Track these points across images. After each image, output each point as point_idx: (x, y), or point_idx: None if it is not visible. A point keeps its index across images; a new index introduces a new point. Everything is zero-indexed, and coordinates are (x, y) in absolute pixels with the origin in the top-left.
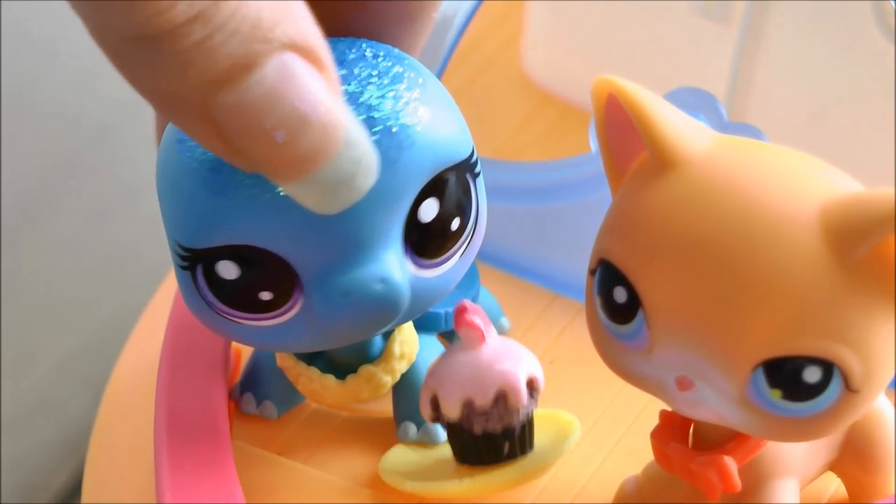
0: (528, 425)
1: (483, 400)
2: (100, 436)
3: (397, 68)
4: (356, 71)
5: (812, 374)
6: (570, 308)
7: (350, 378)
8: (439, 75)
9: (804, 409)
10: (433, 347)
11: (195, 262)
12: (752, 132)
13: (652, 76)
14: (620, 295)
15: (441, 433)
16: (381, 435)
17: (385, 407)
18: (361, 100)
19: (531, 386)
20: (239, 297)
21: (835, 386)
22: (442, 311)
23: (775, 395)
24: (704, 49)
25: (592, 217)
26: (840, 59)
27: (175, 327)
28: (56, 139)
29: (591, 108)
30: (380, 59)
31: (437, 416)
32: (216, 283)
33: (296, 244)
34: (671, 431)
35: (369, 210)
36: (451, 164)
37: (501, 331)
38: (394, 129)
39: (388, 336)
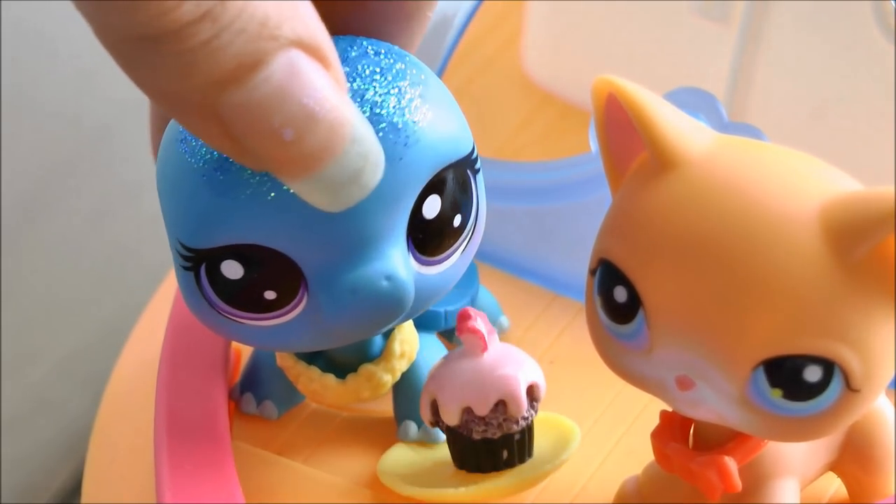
0: (527, 433)
1: (482, 408)
2: (100, 436)
3: (399, 65)
4: (359, 68)
5: (812, 374)
6: (570, 308)
7: (350, 377)
8: (439, 75)
9: (805, 409)
10: (433, 346)
11: (198, 262)
12: (752, 132)
13: (652, 76)
14: (621, 295)
15: (441, 433)
16: (382, 435)
17: (385, 406)
18: (366, 97)
19: (532, 394)
20: (242, 297)
21: (835, 385)
22: (442, 309)
23: (776, 394)
24: (704, 49)
25: (592, 217)
26: (840, 59)
27: (175, 327)
28: (56, 139)
29: (591, 108)
30: (382, 57)
31: (437, 421)
32: (219, 283)
33: (301, 242)
34: (671, 431)
35: (374, 207)
36: (454, 160)
37: (501, 330)
38: (399, 126)
39: (388, 335)
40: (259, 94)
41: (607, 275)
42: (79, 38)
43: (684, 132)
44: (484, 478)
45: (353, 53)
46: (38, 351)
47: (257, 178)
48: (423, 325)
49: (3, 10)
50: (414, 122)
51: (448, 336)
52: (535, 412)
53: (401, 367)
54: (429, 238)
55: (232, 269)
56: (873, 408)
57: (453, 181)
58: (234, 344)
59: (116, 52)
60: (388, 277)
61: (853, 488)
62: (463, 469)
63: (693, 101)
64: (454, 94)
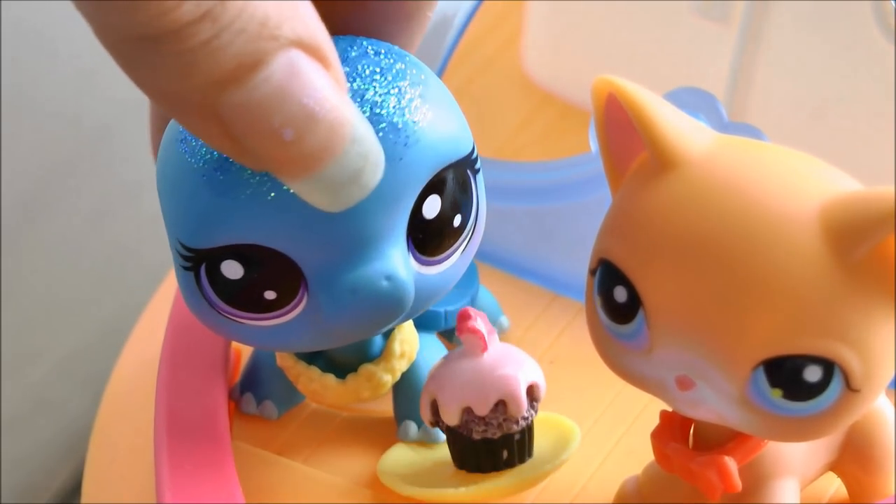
0: (527, 433)
1: (482, 408)
2: (100, 436)
3: (399, 65)
4: (359, 68)
5: (813, 374)
6: (570, 308)
7: (350, 377)
8: (439, 75)
9: (805, 409)
10: (433, 346)
11: (199, 262)
12: (752, 132)
13: (652, 76)
14: (621, 295)
15: (441, 433)
16: (382, 435)
17: (385, 406)
18: (366, 97)
19: (532, 394)
20: (243, 297)
21: (835, 385)
22: (442, 309)
23: (776, 394)
24: (704, 49)
25: (592, 217)
26: (840, 59)
27: (175, 327)
28: (56, 139)
29: (591, 108)
30: (382, 57)
31: (437, 421)
32: (220, 283)
33: (301, 242)
34: (671, 431)
35: (374, 207)
36: (454, 160)
37: (501, 330)
38: (399, 126)
39: (388, 335)
40: (259, 93)
41: (607, 275)
42: (79, 38)
43: (684, 132)
44: (484, 478)
45: (353, 53)
46: (38, 351)
47: (257, 178)
48: (423, 325)
49: (2, 10)
50: (414, 122)
51: (448, 336)
52: (536, 412)
53: (401, 367)
54: (429, 238)
55: (232, 269)
56: (873, 408)
57: (453, 181)
58: (234, 344)
59: (116, 53)
60: (389, 277)
61: (853, 488)
62: (463, 469)
63: (693, 101)
64: (454, 94)
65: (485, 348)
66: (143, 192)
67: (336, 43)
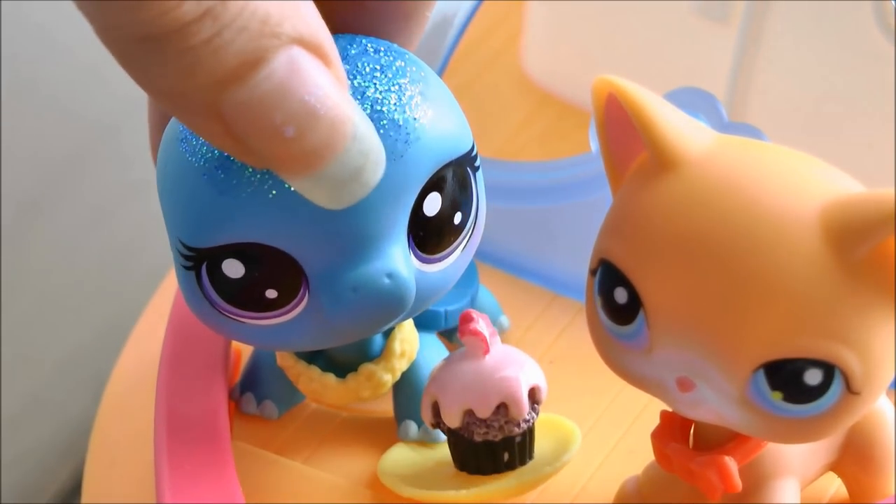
0: (528, 435)
1: (484, 410)
2: (100, 436)
3: (399, 63)
4: (360, 66)
5: (813, 377)
6: (570, 308)
7: (350, 377)
8: (440, 75)
9: (805, 411)
10: (433, 346)
11: (199, 262)
12: (752, 132)
13: (652, 76)
14: (621, 295)
15: (442, 433)
16: (382, 435)
17: (385, 406)
18: (367, 94)
19: (533, 397)
20: (244, 296)
21: (836, 388)
22: (442, 309)
23: (776, 396)
24: (704, 49)
25: (592, 217)
26: (840, 59)
27: (175, 327)
28: (58, 138)
29: (591, 108)
30: (382, 54)
31: (438, 423)
32: (221, 282)
33: (303, 240)
34: (671, 432)
35: (375, 205)
36: (454, 158)
37: (501, 330)
38: (399, 123)
39: (388, 334)
40: (261, 91)
41: (607, 275)
42: (83, 36)
43: (684, 132)
44: (485, 480)
45: (354, 51)
46: (38, 351)
47: (258, 176)
48: (423, 324)
49: (5, 7)
50: (415, 120)
51: (448, 336)
52: (537, 415)
53: (401, 366)
54: (429, 236)
55: (233, 268)
56: (873, 408)
57: (453, 179)
58: (234, 344)
59: (118, 52)
60: (390, 275)
61: (853, 488)
62: (464, 471)
63: (693, 101)
64: (454, 94)
65: (487, 350)
66: (143, 191)
67: (336, 41)
